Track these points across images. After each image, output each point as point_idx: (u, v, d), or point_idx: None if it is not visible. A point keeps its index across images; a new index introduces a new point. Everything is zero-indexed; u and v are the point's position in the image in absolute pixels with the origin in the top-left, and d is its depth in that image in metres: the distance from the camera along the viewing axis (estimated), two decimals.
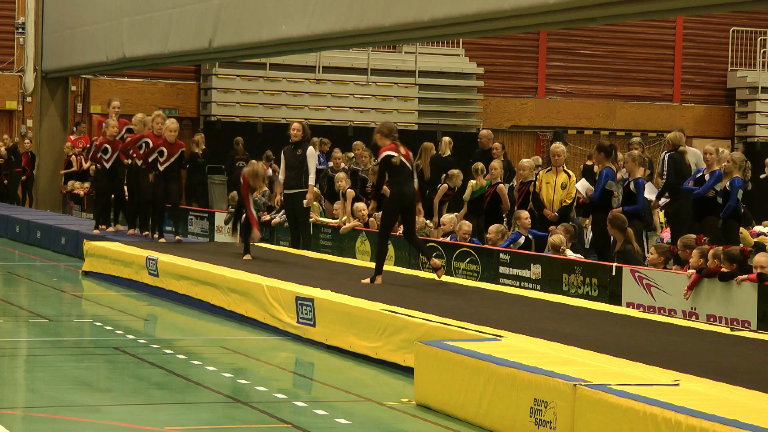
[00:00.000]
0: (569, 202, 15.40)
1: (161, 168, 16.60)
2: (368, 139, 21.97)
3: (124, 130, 17.89)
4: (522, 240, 14.89)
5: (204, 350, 10.88)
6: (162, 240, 16.89)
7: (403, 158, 12.18)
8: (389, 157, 12.15)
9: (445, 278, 13.62)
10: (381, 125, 12.57)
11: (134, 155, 17.15)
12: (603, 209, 14.87)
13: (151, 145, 16.62)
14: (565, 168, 15.56)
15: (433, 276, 13.74)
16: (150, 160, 16.60)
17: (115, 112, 18.20)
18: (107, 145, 17.81)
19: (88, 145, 18.63)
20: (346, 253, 17.19)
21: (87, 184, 25.96)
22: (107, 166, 17.84)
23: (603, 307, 11.23)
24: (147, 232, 17.40)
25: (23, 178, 27.76)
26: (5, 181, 27.82)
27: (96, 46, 24.77)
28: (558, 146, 15.71)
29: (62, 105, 28.30)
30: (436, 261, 12.52)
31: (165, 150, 16.55)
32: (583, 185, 15.98)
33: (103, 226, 18.52)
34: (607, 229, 14.60)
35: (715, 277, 11.62)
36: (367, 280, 12.25)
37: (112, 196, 18.48)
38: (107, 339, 11.17)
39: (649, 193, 15.60)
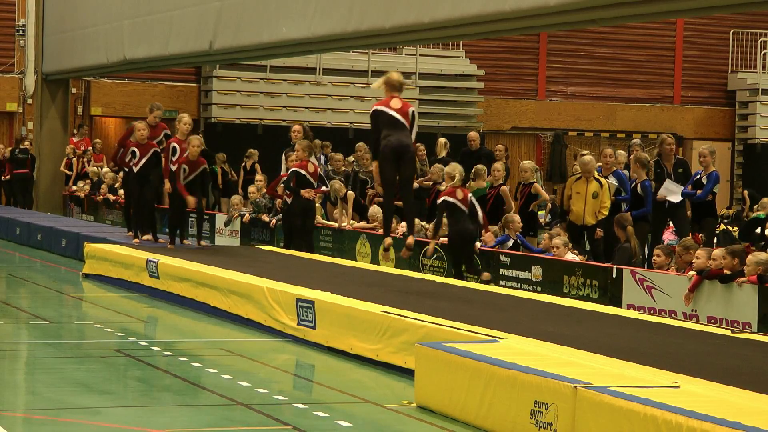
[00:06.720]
0: (606, 213, 14.76)
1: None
2: (369, 140, 21.99)
3: (162, 135, 17.17)
4: (510, 243, 15.03)
5: (204, 352, 10.88)
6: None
7: (392, 111, 11.68)
8: (372, 111, 11.85)
9: (445, 280, 13.63)
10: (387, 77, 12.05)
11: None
12: (615, 210, 14.89)
13: (178, 151, 15.94)
14: (596, 176, 15.03)
15: (433, 278, 13.77)
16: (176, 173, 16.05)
17: (156, 119, 17.23)
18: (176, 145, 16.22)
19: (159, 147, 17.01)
20: (346, 254, 17.19)
21: (87, 186, 25.96)
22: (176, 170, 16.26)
23: (603, 308, 11.24)
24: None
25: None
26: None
27: (96, 48, 24.77)
28: (587, 157, 15.12)
29: (63, 107, 28.30)
30: (411, 240, 12.01)
31: (187, 168, 15.99)
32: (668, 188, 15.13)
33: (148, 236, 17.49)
34: (607, 229, 14.67)
35: (716, 279, 11.62)
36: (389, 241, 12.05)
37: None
38: (108, 341, 11.18)
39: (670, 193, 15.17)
